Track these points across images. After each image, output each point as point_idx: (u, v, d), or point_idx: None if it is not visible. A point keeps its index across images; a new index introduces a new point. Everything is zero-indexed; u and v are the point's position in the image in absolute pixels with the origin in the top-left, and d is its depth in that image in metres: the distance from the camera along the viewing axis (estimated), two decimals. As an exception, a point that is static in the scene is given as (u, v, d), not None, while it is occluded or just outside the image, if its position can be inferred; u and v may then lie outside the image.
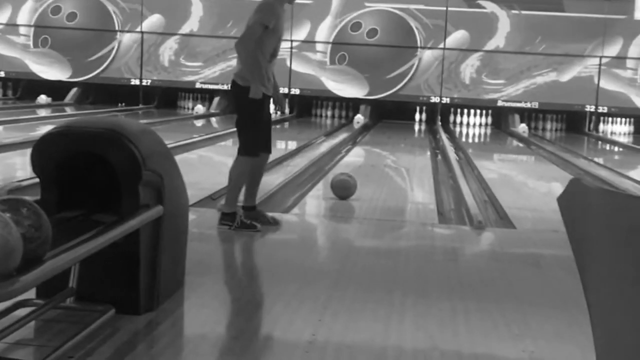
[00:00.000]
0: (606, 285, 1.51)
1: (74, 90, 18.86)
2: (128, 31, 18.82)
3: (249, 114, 5.59)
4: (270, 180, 8.14)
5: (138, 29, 18.74)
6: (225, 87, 17.65)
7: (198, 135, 12.63)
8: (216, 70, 18.23)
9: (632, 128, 18.73)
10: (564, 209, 1.59)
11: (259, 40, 5.49)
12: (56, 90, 18.51)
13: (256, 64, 5.51)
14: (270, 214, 5.92)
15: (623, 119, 18.69)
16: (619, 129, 18.67)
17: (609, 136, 18.11)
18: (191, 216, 4.93)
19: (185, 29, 18.59)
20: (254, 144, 5.60)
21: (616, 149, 16.36)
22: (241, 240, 5.50)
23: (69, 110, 16.95)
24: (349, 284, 4.57)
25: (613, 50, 18.12)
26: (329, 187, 7.58)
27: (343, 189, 7.43)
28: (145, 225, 3.60)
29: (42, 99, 18.10)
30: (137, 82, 18.81)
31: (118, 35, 18.86)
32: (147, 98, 18.82)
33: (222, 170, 7.72)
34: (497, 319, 4.03)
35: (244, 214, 5.69)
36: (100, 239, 3.19)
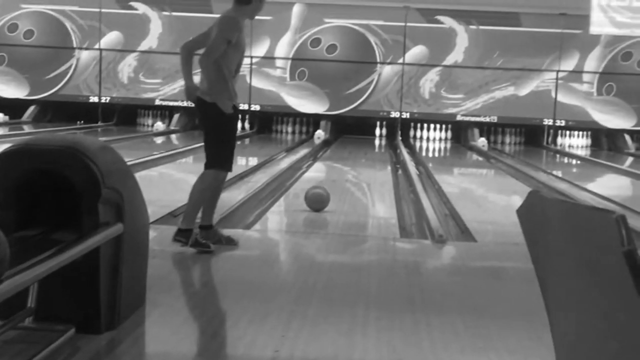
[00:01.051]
0: (565, 296, 1.53)
1: (32, 108, 18.70)
2: (86, 48, 18.70)
3: (220, 129, 5.52)
4: (232, 197, 8.12)
5: (96, 46, 18.64)
6: (185, 103, 17.58)
7: (158, 152, 12.57)
8: (176, 87, 18.16)
9: (589, 141, 18.99)
10: (523, 221, 1.61)
11: (224, 55, 5.42)
12: (14, 108, 18.33)
13: (222, 79, 5.45)
14: (226, 234, 5.82)
15: (580, 132, 18.94)
16: (576, 142, 18.92)
17: (566, 149, 18.32)
18: (152, 233, 4.90)
19: (145, 45, 18.52)
20: (227, 157, 5.55)
21: (574, 161, 16.55)
22: (203, 257, 5.47)
23: (27, 129, 16.78)
24: (311, 299, 4.56)
25: (570, 64, 18.37)
26: (290, 203, 7.57)
27: (317, 202, 7.64)
28: (105, 243, 3.57)
29: (-1, 117, 17.92)
30: (95, 99, 18.69)
31: (76, 52, 18.74)
32: (106, 115, 18.70)
33: (183, 187, 7.69)
34: (460, 332, 4.04)
35: (200, 233, 5.59)
36: (60, 257, 3.15)
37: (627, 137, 18.60)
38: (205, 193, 5.56)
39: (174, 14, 18.48)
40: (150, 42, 18.51)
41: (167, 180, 10.19)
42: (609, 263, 1.28)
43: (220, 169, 5.53)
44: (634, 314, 1.26)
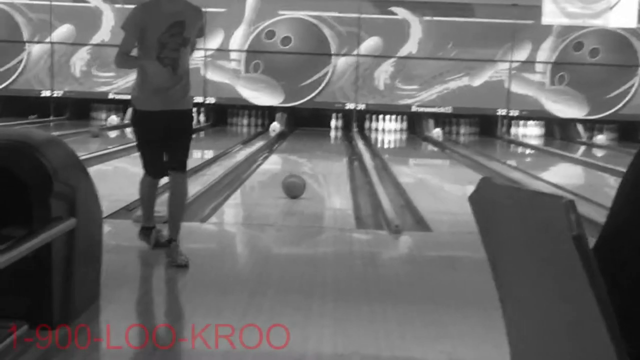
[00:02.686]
0: (517, 282, 1.53)
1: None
2: (37, 42, 18.46)
3: (134, 130, 5.28)
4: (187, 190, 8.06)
5: (48, 40, 18.40)
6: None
7: (112, 146, 12.45)
8: (129, 81, 17.98)
9: (542, 130, 19.20)
10: (475, 208, 1.61)
11: (141, 49, 5.10)
12: (-37, 103, 18.05)
13: (139, 75, 5.17)
14: (165, 235, 5.37)
15: (533, 122, 19.13)
16: (530, 132, 19.11)
17: (520, 139, 18.49)
18: (106, 228, 4.85)
19: (97, 39, 18.32)
20: (146, 162, 5.23)
21: (528, 151, 16.71)
22: (158, 252, 5.43)
23: (-23, 124, 16.52)
24: (267, 290, 4.55)
25: (522, 54, 18.53)
26: (246, 195, 7.56)
27: (293, 189, 8.13)
28: (57, 238, 3.52)
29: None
30: (48, 93, 18.46)
31: (27, 46, 18.48)
32: (58, 110, 18.49)
33: (137, 181, 7.63)
34: (415, 322, 4.06)
35: (142, 232, 5.49)
36: (11, 253, 3.10)
37: (579, 126, 18.83)
38: (141, 196, 5.41)
39: (127, 6, 18.31)
40: (102, 35, 18.31)
41: (121, 175, 10.09)
42: (559, 248, 1.29)
43: (145, 174, 5.28)
44: (583, 299, 1.27)
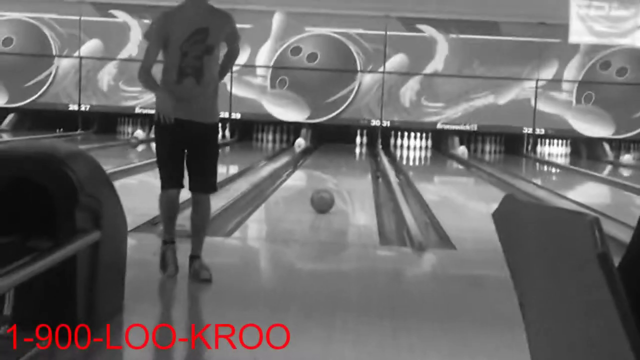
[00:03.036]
0: (541, 300, 1.52)
1: (11, 116, 18.59)
2: (66, 56, 18.62)
3: (155, 139, 5.08)
4: (212, 205, 8.08)
5: (76, 54, 18.57)
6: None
7: (138, 160, 12.52)
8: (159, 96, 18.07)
9: (568, 149, 19.09)
10: (498, 225, 1.60)
11: (165, 57, 4.91)
12: (-8, 116, 18.23)
13: (161, 84, 4.92)
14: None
15: (560, 141, 19.03)
16: (556, 151, 19.01)
17: (546, 157, 18.40)
18: (131, 241, 4.87)
19: (124, 53, 18.46)
20: (162, 174, 4.97)
21: (553, 170, 16.62)
22: (182, 265, 5.44)
23: (5, 137, 16.67)
24: (290, 306, 4.55)
25: (549, 73, 18.46)
26: (270, 211, 7.57)
27: (322, 204, 8.12)
28: (82, 250, 3.54)
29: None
30: (75, 107, 18.61)
31: (56, 60, 18.66)
32: (86, 123, 18.62)
33: (162, 194, 7.65)
34: (439, 339, 4.04)
35: (162, 246, 5.16)
36: (36, 264, 3.12)
37: (606, 145, 18.71)
38: (161, 212, 5.13)
39: (146, 21, 18.44)
40: (130, 50, 18.45)
41: (146, 189, 10.13)
42: (583, 266, 1.28)
43: (162, 189, 5.00)
44: (608, 318, 1.26)
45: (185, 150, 4.89)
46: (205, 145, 4.93)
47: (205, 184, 4.96)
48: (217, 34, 4.89)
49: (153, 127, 4.99)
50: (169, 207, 5.00)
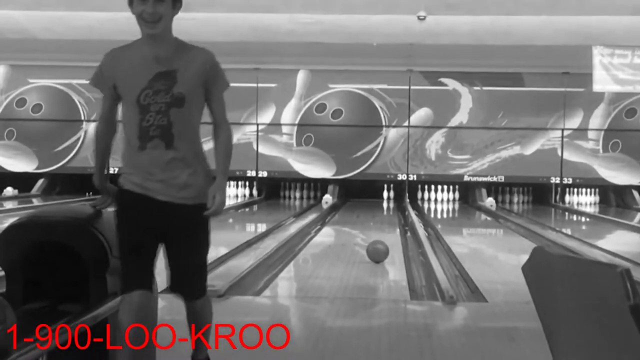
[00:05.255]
0: (573, 351, 1.51)
1: (41, 181, 18.81)
2: (94, 120, 18.86)
3: (115, 216, 3.62)
4: (241, 264, 8.11)
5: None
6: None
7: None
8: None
9: (597, 198, 18.97)
10: (528, 277, 1.60)
11: (122, 114, 3.58)
12: (23, 181, 18.43)
13: (125, 148, 3.63)
14: None
15: (588, 189, 18.93)
16: (584, 200, 18.90)
17: (575, 207, 18.28)
18: (161, 302, 4.87)
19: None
20: (122, 272, 3.53)
21: (583, 219, 16.50)
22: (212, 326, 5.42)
23: (36, 202, 16.84)
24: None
25: (574, 122, 18.45)
26: (299, 268, 7.56)
27: (378, 255, 8.70)
28: (113, 313, 3.55)
29: (9, 191, 18.00)
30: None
31: (84, 124, 18.89)
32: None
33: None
34: (473, 394, 3.99)
35: None
36: (68, 328, 3.13)
37: (635, 192, 18.57)
38: (120, 325, 3.46)
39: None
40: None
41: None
42: (616, 317, 1.28)
43: (122, 290, 3.52)
44: (643, 369, 1.25)
45: (161, 242, 3.56)
46: (188, 236, 3.55)
47: (191, 287, 3.67)
48: (189, 77, 3.48)
49: (115, 206, 3.68)
50: (136, 317, 3.42)
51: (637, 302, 1.23)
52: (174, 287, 3.65)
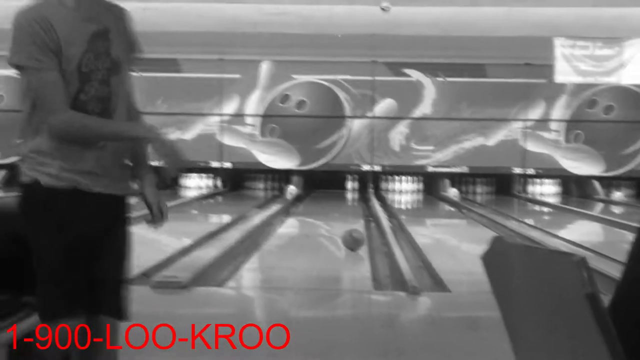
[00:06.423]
0: (531, 340, 1.54)
1: (3, 172, 18.60)
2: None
3: (32, 225, 2.86)
4: (204, 255, 8.09)
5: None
6: (155, 163, 17.81)
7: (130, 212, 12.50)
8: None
9: (559, 188, 19.16)
10: (488, 267, 1.62)
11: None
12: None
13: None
14: None
15: (550, 180, 19.11)
16: (546, 190, 19.07)
17: (537, 197, 18.45)
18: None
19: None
20: (51, 295, 2.81)
21: (545, 209, 16.66)
22: (177, 315, 5.43)
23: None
24: (286, 354, 4.53)
25: (536, 113, 18.60)
26: (263, 259, 7.55)
27: (356, 243, 8.77)
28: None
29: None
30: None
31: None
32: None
33: (155, 246, 7.67)
34: (436, 383, 4.03)
35: None
36: (29, 320, 3.12)
37: (596, 183, 18.78)
38: None
39: (135, 74, 18.55)
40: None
41: (139, 241, 10.11)
42: (573, 306, 1.30)
43: (47, 320, 2.82)
44: (599, 357, 1.27)
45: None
46: (123, 234, 3.03)
47: (122, 301, 2.96)
48: (120, 38, 2.86)
49: (32, 210, 2.86)
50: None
51: (592, 290, 1.25)
52: (99, 304, 2.90)
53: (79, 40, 2.71)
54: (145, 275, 6.92)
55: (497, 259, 1.58)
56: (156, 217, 3.09)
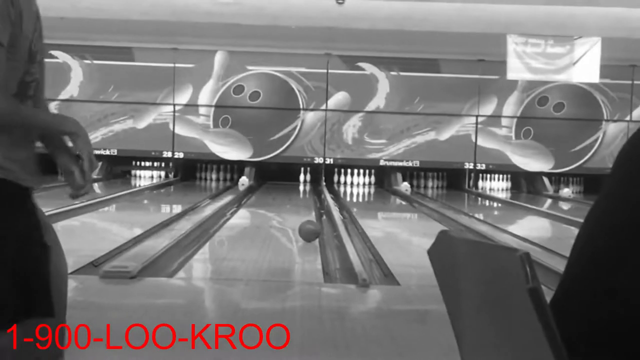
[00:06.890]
0: (475, 335, 1.56)
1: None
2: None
3: None
4: (155, 244, 8.05)
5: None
6: (107, 152, 17.65)
7: (79, 201, 12.39)
8: (97, 136, 17.97)
9: (509, 184, 19.37)
10: (434, 261, 1.64)
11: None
12: None
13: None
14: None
15: (500, 175, 19.32)
16: (496, 185, 19.28)
17: (487, 192, 18.64)
18: (72, 283, 4.82)
19: (64, 95, 18.31)
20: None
21: (495, 204, 16.83)
22: (125, 306, 5.40)
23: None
24: (235, 345, 4.53)
25: (488, 109, 18.78)
26: (214, 250, 7.54)
27: (311, 234, 8.89)
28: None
29: None
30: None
31: None
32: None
33: (105, 236, 7.61)
34: (383, 375, 4.06)
35: None
36: None
37: (546, 179, 19.03)
38: None
39: (96, 62, 18.34)
40: (71, 90, 18.31)
41: (88, 230, 10.04)
42: (515, 301, 1.32)
43: None
44: (540, 351, 1.30)
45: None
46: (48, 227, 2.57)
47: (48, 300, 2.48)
48: (36, 18, 2.46)
49: None
50: None
51: (535, 285, 1.27)
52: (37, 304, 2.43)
53: (30, 16, 2.38)
54: (94, 265, 6.88)
55: (442, 252, 1.60)
56: (86, 174, 2.50)
